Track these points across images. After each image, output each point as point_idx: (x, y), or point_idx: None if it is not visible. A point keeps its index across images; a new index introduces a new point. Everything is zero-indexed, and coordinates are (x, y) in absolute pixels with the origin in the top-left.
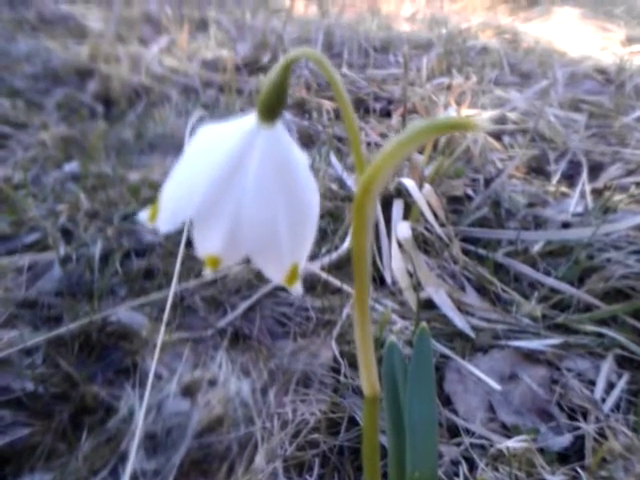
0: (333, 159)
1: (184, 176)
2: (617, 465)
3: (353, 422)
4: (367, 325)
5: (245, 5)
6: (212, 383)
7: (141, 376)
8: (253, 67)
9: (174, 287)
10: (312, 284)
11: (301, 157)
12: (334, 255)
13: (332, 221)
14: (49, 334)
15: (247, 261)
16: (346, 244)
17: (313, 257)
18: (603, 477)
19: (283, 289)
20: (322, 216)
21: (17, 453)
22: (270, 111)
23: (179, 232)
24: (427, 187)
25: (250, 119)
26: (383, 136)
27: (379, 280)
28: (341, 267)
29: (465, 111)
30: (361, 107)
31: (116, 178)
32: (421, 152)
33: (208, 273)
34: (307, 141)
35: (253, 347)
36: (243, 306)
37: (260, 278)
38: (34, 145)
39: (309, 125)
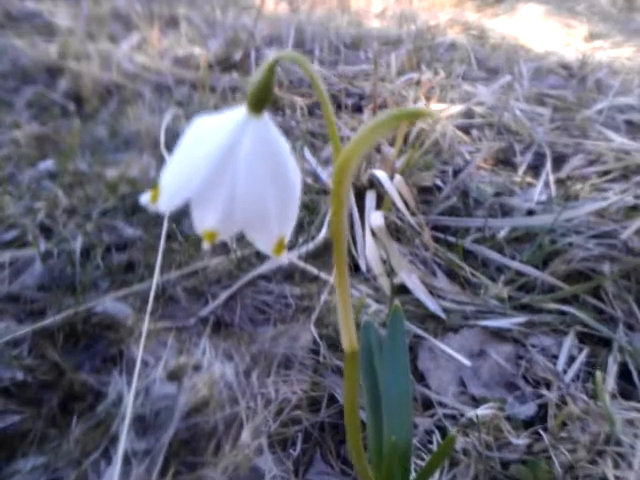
0: (307, 154)
1: (182, 162)
2: (575, 426)
3: (333, 400)
4: (346, 289)
5: (215, 2)
6: (197, 368)
7: (127, 363)
8: (225, 64)
9: (156, 278)
10: (290, 273)
11: (284, 144)
12: (311, 245)
13: (308, 213)
14: (34, 325)
15: (227, 252)
16: (322, 234)
17: (291, 247)
18: (563, 438)
19: (263, 278)
20: (300, 208)
21: (9, 439)
22: (258, 104)
23: (159, 226)
24: (398, 178)
25: (240, 111)
26: (354, 130)
27: (354, 267)
28: (318, 256)
29: (434, 105)
30: (333, 103)
31: (93, 175)
32: (392, 145)
33: (205, 246)
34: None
35: (235, 334)
36: (224, 295)
37: (240, 268)
38: (7, 144)
39: (282, 121)
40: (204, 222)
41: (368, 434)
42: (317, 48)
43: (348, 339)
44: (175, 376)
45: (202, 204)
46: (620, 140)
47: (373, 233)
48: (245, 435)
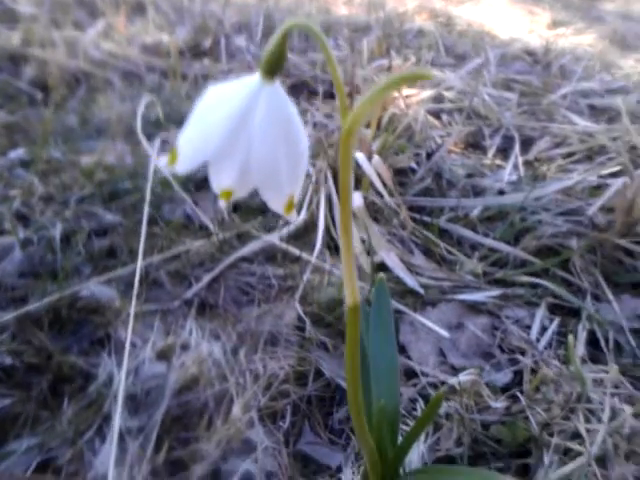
0: None
1: (198, 126)
2: (549, 388)
3: (319, 373)
4: (350, 246)
5: None
6: (185, 347)
7: (116, 345)
8: (195, 52)
9: (140, 262)
10: (272, 254)
11: (294, 108)
12: (291, 226)
13: None
14: (18, 312)
15: (209, 235)
16: (302, 216)
17: (271, 229)
18: (538, 399)
19: (245, 260)
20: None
21: (1, 422)
22: (272, 71)
23: (139, 211)
24: (376, 159)
25: (253, 78)
26: (328, 116)
27: (334, 248)
28: (299, 237)
29: (406, 91)
30: (305, 90)
31: (67, 163)
32: (368, 127)
33: (222, 204)
34: None
35: (220, 315)
36: (207, 278)
37: (222, 251)
38: None
39: None
40: (221, 182)
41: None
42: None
43: (351, 294)
44: (164, 356)
45: (219, 165)
46: (584, 123)
47: (352, 213)
48: (236, 409)
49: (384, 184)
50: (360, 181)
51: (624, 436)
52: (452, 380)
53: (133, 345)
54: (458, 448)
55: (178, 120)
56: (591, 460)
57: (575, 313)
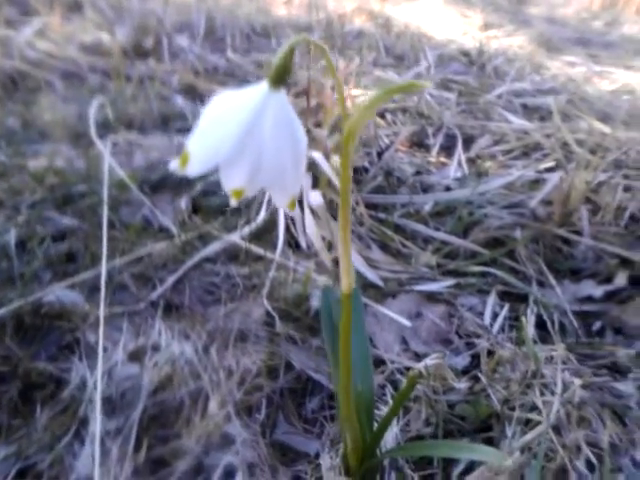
0: None
1: (210, 131)
2: (506, 368)
3: (289, 367)
4: (348, 234)
5: None
6: (155, 348)
7: (86, 349)
8: (137, 51)
9: (105, 265)
10: (235, 254)
11: (295, 114)
12: (252, 226)
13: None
14: None
15: (171, 237)
16: (262, 216)
17: (232, 229)
18: (497, 378)
19: (208, 260)
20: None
21: None
22: (279, 80)
23: (95, 215)
24: (335, 158)
25: (261, 87)
26: None
27: (295, 245)
28: (260, 236)
29: (353, 91)
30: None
31: (14, 167)
32: (319, 126)
33: (233, 203)
34: None
35: (187, 315)
36: (171, 279)
37: (184, 252)
38: None
39: (202, 108)
40: (232, 182)
41: (336, 389)
42: (228, 35)
43: (347, 281)
44: (136, 357)
45: (230, 167)
46: (519, 122)
47: (312, 212)
48: (212, 405)
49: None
50: (317, 180)
51: (575, 405)
52: (418, 365)
53: (104, 348)
54: (427, 428)
55: (126, 122)
56: (548, 429)
57: (522, 299)
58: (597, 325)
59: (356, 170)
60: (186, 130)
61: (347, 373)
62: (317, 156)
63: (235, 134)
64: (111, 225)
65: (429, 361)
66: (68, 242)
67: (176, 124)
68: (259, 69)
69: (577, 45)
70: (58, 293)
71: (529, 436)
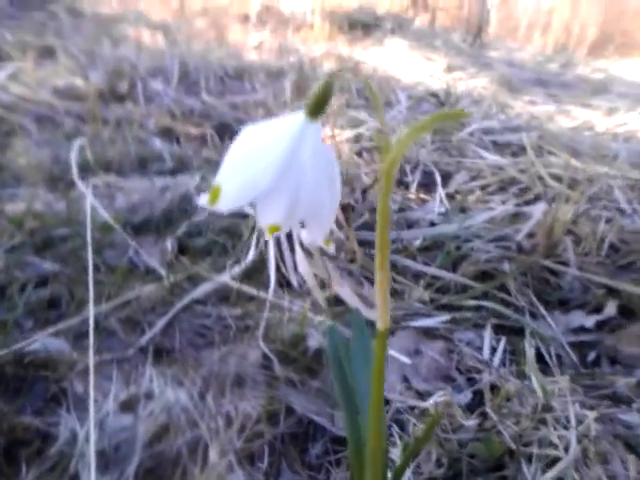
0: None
1: (243, 163)
2: (514, 402)
3: (290, 411)
4: (386, 269)
5: (86, 33)
6: (149, 396)
7: (74, 400)
8: (112, 95)
9: (92, 310)
10: (225, 295)
11: (331, 148)
12: (242, 266)
13: (229, 237)
14: None
15: (159, 279)
16: (250, 256)
17: (221, 269)
18: (505, 413)
19: (198, 302)
20: (218, 233)
21: None
22: (318, 111)
23: (83, 260)
24: None
25: (295, 119)
26: None
27: (287, 285)
28: (250, 277)
29: (327, 130)
30: (227, 132)
31: None
32: None
33: (267, 237)
34: (179, 165)
35: (179, 360)
36: (161, 323)
37: (173, 294)
38: None
39: (180, 150)
40: (269, 217)
41: (346, 431)
42: (202, 79)
43: (384, 318)
44: (128, 407)
45: (268, 201)
46: (493, 157)
47: (304, 249)
48: (212, 455)
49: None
50: None
51: (591, 439)
52: (425, 403)
53: (94, 399)
54: (439, 469)
55: (105, 164)
56: (571, 465)
57: (518, 331)
58: (592, 355)
59: (343, 208)
60: (166, 172)
61: (378, 418)
62: None
63: (274, 166)
64: (96, 268)
65: (437, 399)
66: (50, 287)
67: (155, 166)
68: (234, 110)
69: (536, 85)
70: (42, 341)
71: (550, 474)
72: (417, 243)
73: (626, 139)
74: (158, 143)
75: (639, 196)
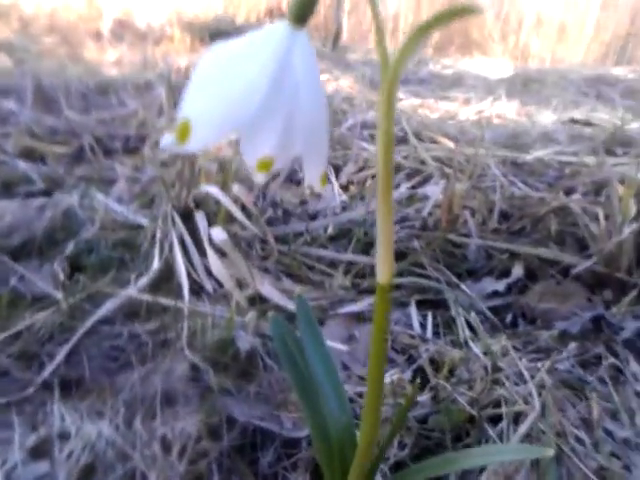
0: (98, 194)
1: (217, 87)
2: (461, 370)
3: (231, 422)
4: (390, 215)
5: None
6: (64, 437)
7: None
8: None
9: None
10: (133, 310)
11: None
12: (148, 277)
13: (126, 250)
14: None
15: (53, 304)
16: (155, 265)
17: (125, 283)
18: (455, 382)
19: (104, 322)
20: (113, 247)
21: None
22: (305, 15)
23: None
24: (236, 187)
25: (275, 29)
26: (137, 169)
27: (199, 291)
28: (159, 287)
29: None
30: (100, 147)
31: None
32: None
33: (259, 179)
34: (52, 185)
35: (92, 390)
36: (63, 352)
37: (73, 318)
38: None
39: (49, 170)
40: (259, 148)
41: (306, 417)
42: (61, 97)
43: (388, 268)
44: (41, 453)
45: (255, 130)
46: (374, 148)
47: (216, 250)
48: None
49: (247, 213)
50: (210, 216)
51: (547, 390)
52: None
53: None
54: (403, 451)
55: None
56: (537, 418)
57: (440, 304)
58: (509, 317)
59: (244, 206)
60: (37, 193)
61: (379, 388)
62: (213, 190)
63: (260, 84)
64: None
65: (389, 377)
66: None
67: (22, 188)
68: (104, 125)
69: None
70: None
71: (522, 429)
72: (328, 232)
73: (485, 124)
74: (22, 164)
75: (512, 169)
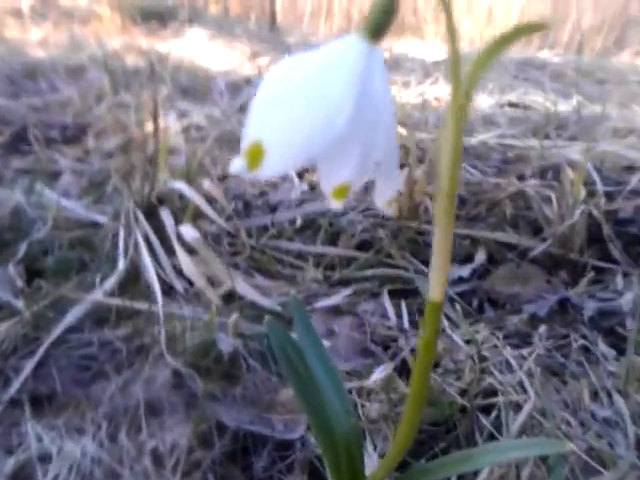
0: (46, 190)
1: (294, 108)
2: (447, 360)
3: (221, 428)
4: (450, 230)
5: None
6: (44, 458)
7: None
8: None
9: None
10: (102, 316)
11: None
12: (115, 278)
13: (85, 250)
14: None
15: (14, 314)
16: (121, 266)
17: (89, 287)
18: (443, 372)
19: (72, 330)
20: (71, 247)
21: None
22: (382, 31)
23: None
24: (208, 183)
25: (348, 44)
26: (81, 160)
27: (170, 291)
28: (125, 289)
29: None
30: (35, 136)
31: None
32: (152, 161)
33: (336, 205)
34: None
35: (67, 404)
36: (29, 365)
37: (38, 328)
38: None
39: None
40: (338, 175)
41: (310, 422)
42: None
43: (441, 286)
44: (21, 476)
45: (335, 154)
46: None
47: (185, 248)
48: None
49: (221, 208)
50: (177, 214)
51: (536, 376)
52: (369, 381)
53: None
54: None
55: None
56: (536, 406)
57: (409, 293)
58: (475, 302)
59: (211, 201)
60: None
61: (421, 400)
62: (181, 186)
63: (345, 108)
64: None
65: (379, 374)
66: None
67: None
68: (37, 112)
69: None
70: None
71: (521, 417)
72: (289, 225)
73: (426, 107)
74: None
75: (467, 155)
